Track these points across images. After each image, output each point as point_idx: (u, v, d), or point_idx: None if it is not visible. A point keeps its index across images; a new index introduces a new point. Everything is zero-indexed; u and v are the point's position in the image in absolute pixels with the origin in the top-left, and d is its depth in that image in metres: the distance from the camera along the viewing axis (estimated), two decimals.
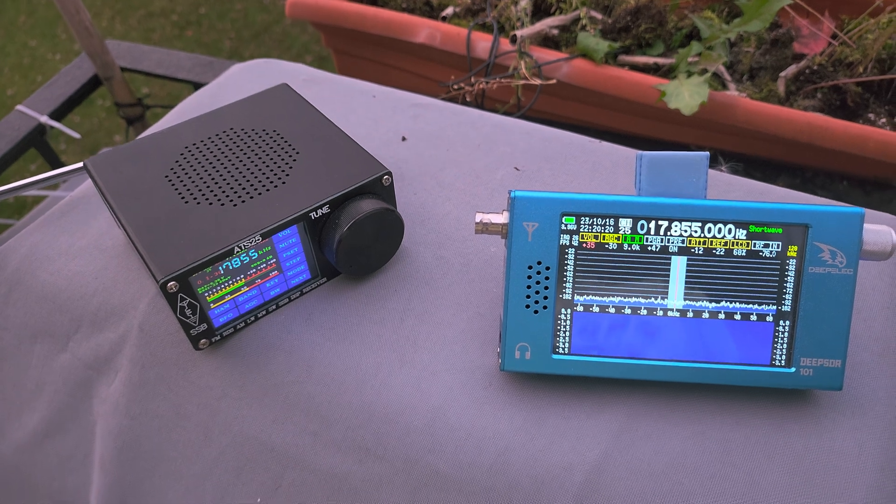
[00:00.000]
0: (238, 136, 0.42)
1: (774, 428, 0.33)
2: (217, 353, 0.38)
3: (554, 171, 0.47)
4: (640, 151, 0.33)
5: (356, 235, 0.37)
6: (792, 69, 0.76)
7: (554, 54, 0.78)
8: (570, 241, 0.33)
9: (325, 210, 0.37)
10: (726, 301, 0.33)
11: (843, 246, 0.31)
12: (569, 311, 0.33)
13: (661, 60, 0.77)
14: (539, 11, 0.87)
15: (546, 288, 0.33)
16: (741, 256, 0.32)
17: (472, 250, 0.42)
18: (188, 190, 0.38)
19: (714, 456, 0.32)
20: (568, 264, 0.33)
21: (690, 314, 0.33)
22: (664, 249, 0.33)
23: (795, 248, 0.32)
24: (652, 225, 0.32)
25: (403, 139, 0.51)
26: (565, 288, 0.33)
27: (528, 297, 0.33)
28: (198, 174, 0.39)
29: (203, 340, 0.37)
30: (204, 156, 0.41)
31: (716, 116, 0.72)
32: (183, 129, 0.43)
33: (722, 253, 0.32)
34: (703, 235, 0.32)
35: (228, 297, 0.37)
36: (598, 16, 0.82)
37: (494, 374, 0.36)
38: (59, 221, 0.46)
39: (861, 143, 0.68)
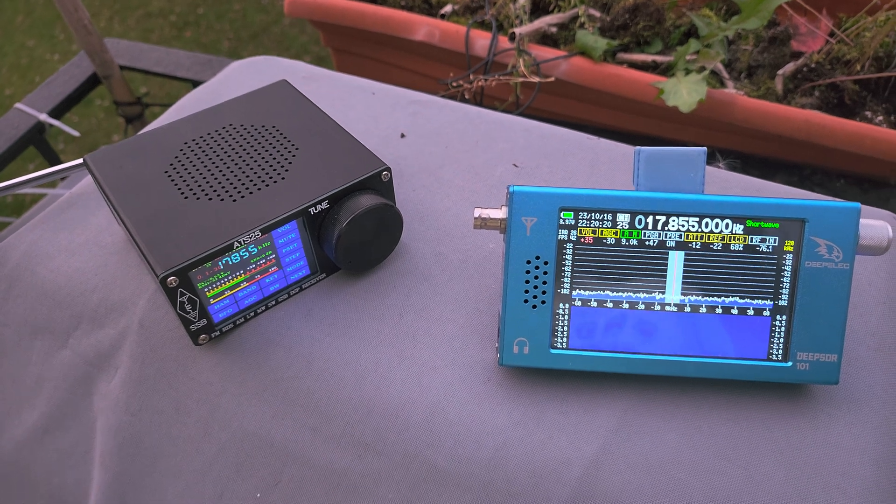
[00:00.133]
0: (238, 131, 0.42)
1: (771, 422, 0.33)
2: (217, 348, 0.38)
3: (552, 167, 0.48)
4: (637, 147, 0.33)
5: (355, 231, 0.37)
6: (790, 67, 0.76)
7: (552, 52, 0.78)
8: (569, 235, 0.33)
9: (325, 205, 0.37)
10: (723, 296, 0.33)
11: (840, 240, 0.31)
12: (567, 305, 0.33)
13: (659, 58, 0.77)
14: (538, 9, 0.87)
15: (544, 283, 0.33)
16: (738, 251, 0.32)
17: (470, 246, 0.42)
18: (188, 185, 0.38)
19: (711, 450, 0.32)
20: (566, 259, 0.33)
21: (688, 309, 0.33)
22: (662, 244, 0.33)
23: (792, 242, 0.32)
24: (650, 220, 0.33)
25: (402, 136, 0.51)
26: (563, 282, 0.33)
27: (527, 291, 0.33)
28: (197, 170, 0.39)
29: (203, 336, 0.37)
30: (203, 151, 0.41)
31: (714, 114, 0.73)
32: (182, 125, 0.43)
33: (719, 248, 0.32)
34: (700, 230, 0.32)
35: (228, 293, 0.37)
36: (597, 13, 0.82)
37: (493, 369, 0.36)
38: (59, 218, 0.46)
39: (858, 141, 0.68)
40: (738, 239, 0.32)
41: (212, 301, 0.36)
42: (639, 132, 0.83)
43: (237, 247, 0.35)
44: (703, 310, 0.33)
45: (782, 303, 0.32)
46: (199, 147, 0.41)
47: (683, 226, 0.32)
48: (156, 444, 0.38)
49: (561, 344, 0.34)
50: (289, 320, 0.39)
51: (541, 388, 0.35)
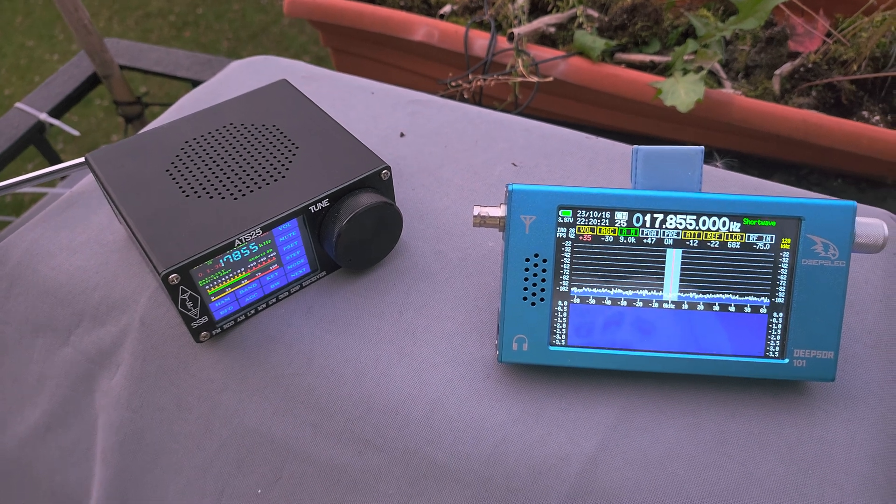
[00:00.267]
0: (238, 130, 0.42)
1: (768, 418, 0.33)
2: (218, 345, 0.38)
3: (551, 166, 0.48)
4: (635, 146, 0.34)
5: (355, 229, 0.37)
6: (787, 67, 0.77)
7: (551, 52, 0.78)
8: (567, 233, 0.33)
9: (325, 204, 0.37)
10: (721, 293, 0.33)
11: (836, 238, 0.32)
12: (565, 303, 0.34)
13: (657, 58, 0.78)
14: (536, 9, 0.87)
15: (543, 280, 0.34)
16: (735, 249, 0.33)
17: (469, 245, 0.42)
18: (189, 184, 0.38)
19: (709, 446, 0.32)
20: (565, 257, 0.33)
21: (685, 306, 0.33)
22: (660, 242, 0.33)
23: (789, 240, 0.32)
24: (647, 218, 0.33)
25: (402, 135, 0.51)
26: (562, 280, 0.34)
27: (526, 289, 0.34)
28: (198, 168, 0.39)
29: (204, 333, 0.37)
30: (204, 150, 0.41)
31: (711, 114, 0.73)
32: (183, 124, 0.43)
33: (716, 245, 0.33)
34: (697, 228, 0.33)
35: (229, 290, 0.37)
36: (595, 14, 0.83)
37: (492, 365, 0.36)
38: (60, 217, 0.47)
39: (855, 141, 0.69)
40: (736, 237, 0.33)
41: (213, 298, 0.36)
42: (637, 132, 0.84)
43: (238, 244, 0.35)
44: (701, 307, 0.33)
45: (779, 300, 0.33)
46: (200, 146, 0.41)
47: (681, 224, 0.33)
48: (157, 441, 0.39)
49: (560, 341, 0.34)
50: (289, 318, 0.39)
51: (540, 385, 0.35)
